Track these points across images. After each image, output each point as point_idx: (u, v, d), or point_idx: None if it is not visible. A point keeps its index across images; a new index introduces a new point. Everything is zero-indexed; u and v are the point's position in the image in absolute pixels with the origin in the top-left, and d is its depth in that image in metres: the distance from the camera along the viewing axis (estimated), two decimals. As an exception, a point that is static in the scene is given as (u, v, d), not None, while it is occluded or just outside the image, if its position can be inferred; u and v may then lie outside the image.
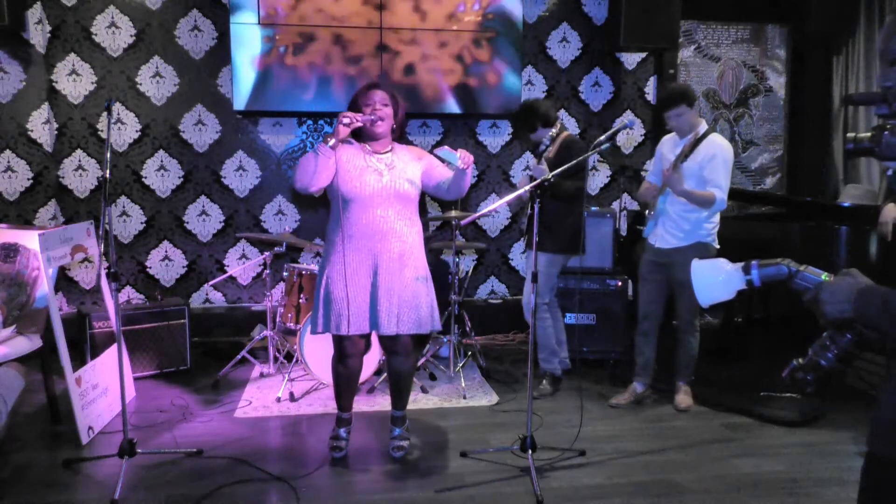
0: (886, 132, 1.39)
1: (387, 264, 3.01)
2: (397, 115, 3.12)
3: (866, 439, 1.41)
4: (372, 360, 3.99)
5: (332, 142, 2.95)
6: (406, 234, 3.07)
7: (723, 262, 1.67)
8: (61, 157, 5.07)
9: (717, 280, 1.66)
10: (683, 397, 3.90)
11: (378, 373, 4.12)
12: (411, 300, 3.05)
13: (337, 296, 3.02)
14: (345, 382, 3.23)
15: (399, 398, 3.29)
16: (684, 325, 3.85)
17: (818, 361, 1.48)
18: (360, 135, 3.11)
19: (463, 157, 2.91)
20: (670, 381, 3.99)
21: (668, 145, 3.83)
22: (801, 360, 1.52)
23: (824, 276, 1.47)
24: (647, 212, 4.01)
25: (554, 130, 3.93)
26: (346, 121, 2.93)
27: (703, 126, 3.72)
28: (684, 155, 3.58)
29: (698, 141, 3.66)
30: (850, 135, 1.47)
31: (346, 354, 3.14)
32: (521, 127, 4.04)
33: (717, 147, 3.63)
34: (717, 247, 3.75)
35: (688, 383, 3.94)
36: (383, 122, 3.06)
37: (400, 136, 3.22)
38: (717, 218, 3.73)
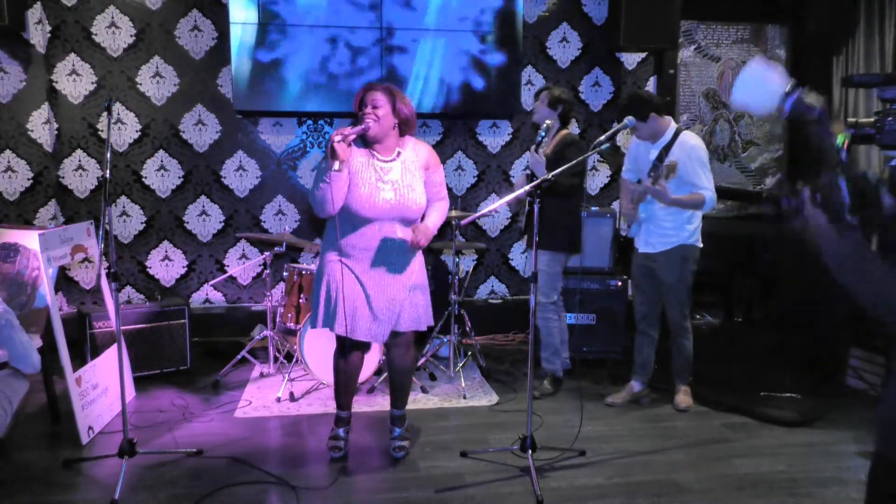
0: (889, 118, 1.36)
1: (388, 276, 3.04)
2: (397, 111, 3.00)
3: (874, 440, 1.41)
4: (372, 359, 3.99)
5: (337, 165, 2.84)
6: (406, 240, 3.07)
7: (776, 76, 1.58)
8: (61, 157, 5.06)
9: (759, 89, 1.60)
10: (683, 397, 3.90)
11: (378, 373, 4.12)
12: (413, 297, 3.10)
13: (339, 297, 3.01)
14: (344, 378, 3.23)
15: (398, 396, 3.29)
16: (675, 329, 3.84)
17: (803, 197, 1.47)
18: (366, 139, 3.02)
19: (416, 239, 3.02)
20: (670, 381, 3.99)
21: (641, 144, 3.79)
22: (785, 183, 1.51)
23: (841, 137, 1.44)
24: (620, 215, 3.98)
25: (549, 122, 3.91)
26: (338, 138, 2.82)
27: (672, 128, 3.68)
28: (669, 170, 3.48)
29: (669, 145, 3.64)
30: (851, 120, 1.44)
31: (347, 349, 3.16)
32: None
33: (690, 148, 3.59)
34: (700, 246, 3.73)
35: (687, 383, 3.94)
36: (377, 124, 2.96)
37: (408, 130, 3.11)
38: (698, 219, 3.71)
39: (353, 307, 3.01)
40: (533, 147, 3.80)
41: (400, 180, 3.00)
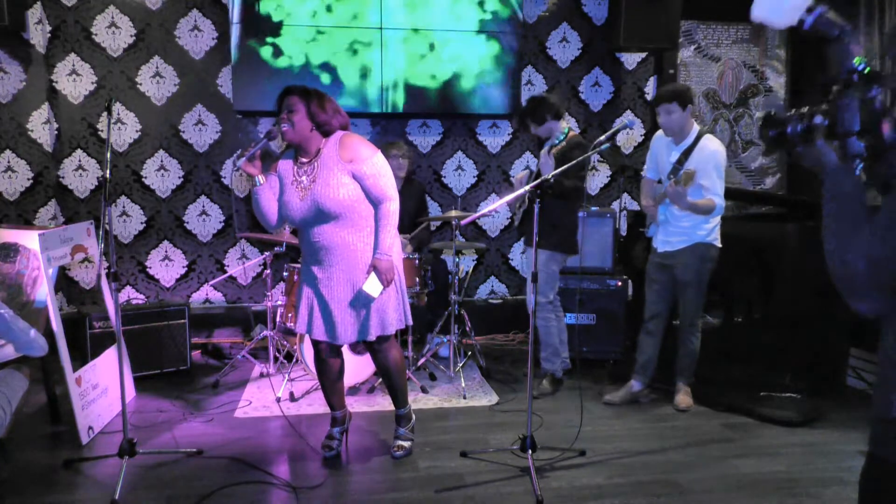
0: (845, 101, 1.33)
1: (338, 276, 3.00)
2: (312, 114, 2.92)
3: (868, 439, 1.41)
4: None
5: (256, 181, 2.95)
6: (353, 241, 2.98)
7: None
8: (61, 157, 5.06)
9: (780, 2, 1.60)
10: (683, 397, 3.90)
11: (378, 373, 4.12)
12: (374, 303, 3.01)
13: (305, 300, 3.07)
14: (324, 379, 3.23)
15: (394, 394, 3.29)
16: (686, 326, 3.85)
17: (786, 127, 1.45)
18: (294, 144, 2.99)
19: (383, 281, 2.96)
20: (670, 381, 3.99)
21: (663, 143, 3.82)
22: (775, 113, 1.49)
23: (858, 59, 1.42)
24: (647, 217, 3.99)
25: (564, 123, 3.96)
26: (241, 163, 2.90)
27: (695, 129, 3.71)
28: (686, 178, 3.48)
29: (692, 147, 3.66)
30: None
31: (318, 350, 3.17)
32: (531, 118, 3.99)
33: (711, 152, 3.62)
34: (720, 246, 3.75)
35: (688, 383, 3.94)
36: (291, 130, 2.91)
37: (332, 130, 2.99)
38: (717, 218, 3.73)
39: (311, 306, 3.06)
40: (546, 149, 3.82)
41: (313, 178, 2.95)
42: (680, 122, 3.67)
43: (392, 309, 3.07)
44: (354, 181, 2.94)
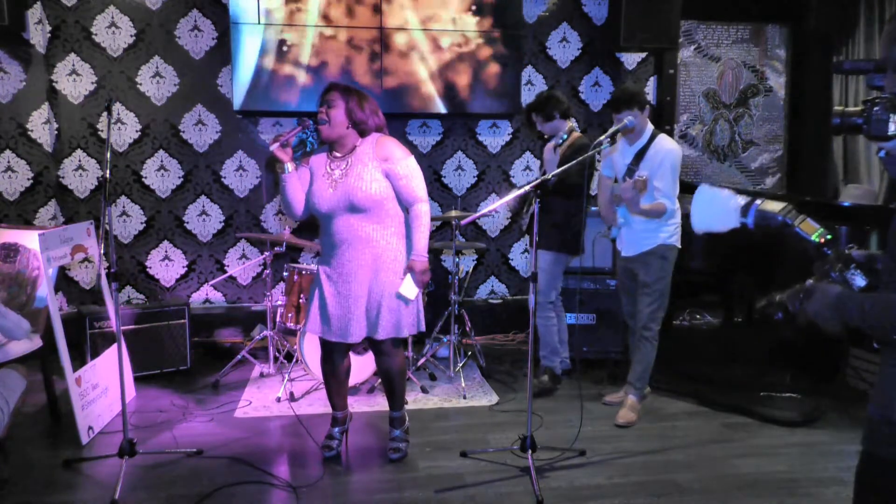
0: (877, 108, 1.33)
1: (356, 272, 3.00)
2: (350, 112, 2.97)
3: (861, 438, 1.42)
4: (372, 360, 3.99)
5: (285, 167, 2.99)
6: (377, 238, 3.00)
7: (727, 196, 1.63)
8: (61, 157, 5.06)
9: (715, 211, 1.64)
10: (626, 412, 3.71)
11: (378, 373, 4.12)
12: (389, 303, 3.01)
13: (321, 300, 3.07)
14: (331, 380, 3.23)
15: (392, 398, 3.29)
16: (642, 330, 3.69)
17: (787, 306, 1.51)
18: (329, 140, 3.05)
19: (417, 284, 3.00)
20: (670, 380, 3.98)
21: (618, 146, 3.75)
22: (777, 296, 1.53)
23: (815, 235, 1.48)
24: (607, 225, 3.97)
25: (571, 124, 3.97)
26: (273, 147, 2.94)
27: (649, 129, 3.64)
28: (639, 187, 3.44)
29: (646, 147, 3.60)
30: (838, 108, 1.40)
31: (328, 351, 3.16)
32: (540, 113, 3.99)
33: (666, 152, 3.53)
34: (678, 246, 3.66)
35: (638, 397, 3.77)
36: (327, 126, 2.97)
37: (368, 131, 3.04)
38: (677, 220, 3.64)
39: (324, 307, 3.05)
40: (553, 146, 3.83)
41: (346, 172, 2.98)
42: (639, 125, 3.60)
43: (408, 313, 3.07)
44: (386, 179, 2.99)
